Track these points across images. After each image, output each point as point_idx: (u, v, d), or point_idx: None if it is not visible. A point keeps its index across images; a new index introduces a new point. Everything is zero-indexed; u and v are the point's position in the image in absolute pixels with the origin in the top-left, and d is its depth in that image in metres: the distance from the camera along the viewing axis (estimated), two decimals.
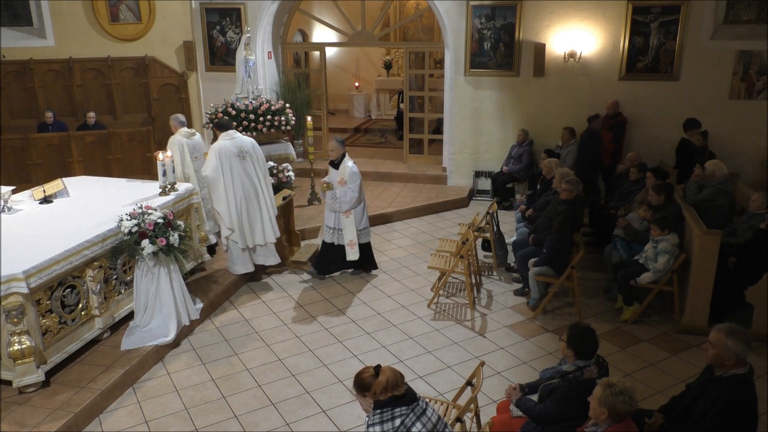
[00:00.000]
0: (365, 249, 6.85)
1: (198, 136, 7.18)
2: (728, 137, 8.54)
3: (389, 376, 2.83)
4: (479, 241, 7.25)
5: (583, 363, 3.58)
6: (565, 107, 9.28)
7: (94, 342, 5.25)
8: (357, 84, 15.66)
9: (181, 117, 7.18)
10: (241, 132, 7.77)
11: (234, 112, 7.91)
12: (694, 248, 5.55)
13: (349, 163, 6.58)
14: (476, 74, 9.50)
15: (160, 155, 6.20)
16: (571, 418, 3.46)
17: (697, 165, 7.06)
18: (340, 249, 6.72)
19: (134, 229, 5.13)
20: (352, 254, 6.67)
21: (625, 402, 2.97)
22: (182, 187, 6.46)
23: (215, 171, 6.24)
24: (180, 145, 6.90)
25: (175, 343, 5.50)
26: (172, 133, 7.03)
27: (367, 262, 6.97)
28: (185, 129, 7.03)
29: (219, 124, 6.65)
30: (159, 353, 5.32)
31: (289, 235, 7.40)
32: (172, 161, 6.36)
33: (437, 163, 10.51)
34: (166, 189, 6.22)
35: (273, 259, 6.73)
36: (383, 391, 2.81)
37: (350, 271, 7.04)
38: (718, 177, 6.58)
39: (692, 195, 6.65)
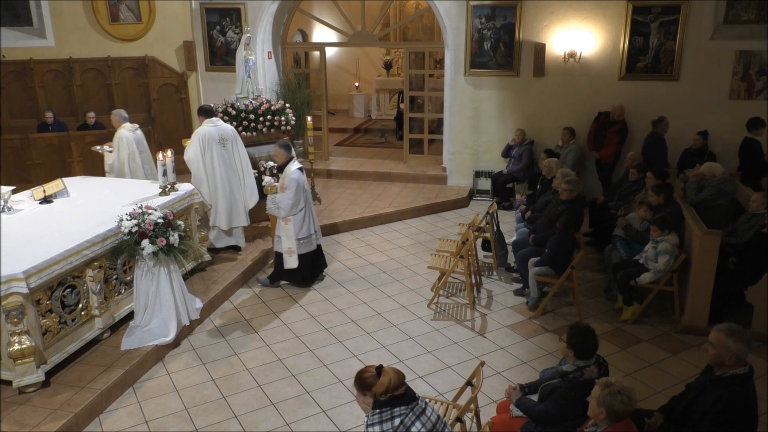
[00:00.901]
0: (302, 261, 6.50)
1: (140, 130, 7.44)
2: (728, 137, 8.52)
3: (392, 377, 2.82)
4: (479, 241, 7.25)
5: (583, 363, 3.59)
6: (565, 107, 9.28)
7: (94, 342, 5.25)
8: (357, 84, 15.66)
9: (123, 112, 7.50)
10: (240, 132, 7.80)
11: (234, 112, 7.91)
12: (694, 248, 5.55)
13: (292, 167, 6.34)
14: (476, 74, 9.50)
15: (160, 155, 6.20)
16: (571, 418, 3.46)
17: (697, 165, 7.07)
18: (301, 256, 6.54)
19: (134, 229, 5.13)
20: (290, 262, 6.43)
21: (623, 402, 2.97)
22: (182, 187, 6.47)
23: (195, 154, 6.72)
24: (127, 139, 7.23)
25: (175, 343, 5.51)
26: (116, 126, 7.33)
27: (299, 274, 6.62)
28: (128, 124, 7.34)
29: (203, 110, 6.96)
30: (159, 353, 5.32)
31: None
32: (173, 161, 6.38)
33: (437, 163, 10.51)
34: (166, 189, 6.22)
35: (243, 242, 7.31)
36: (384, 392, 2.81)
37: (283, 283, 6.75)
38: (719, 177, 6.58)
39: (692, 195, 6.65)
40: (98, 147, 7.55)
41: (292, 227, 6.38)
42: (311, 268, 6.74)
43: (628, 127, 8.81)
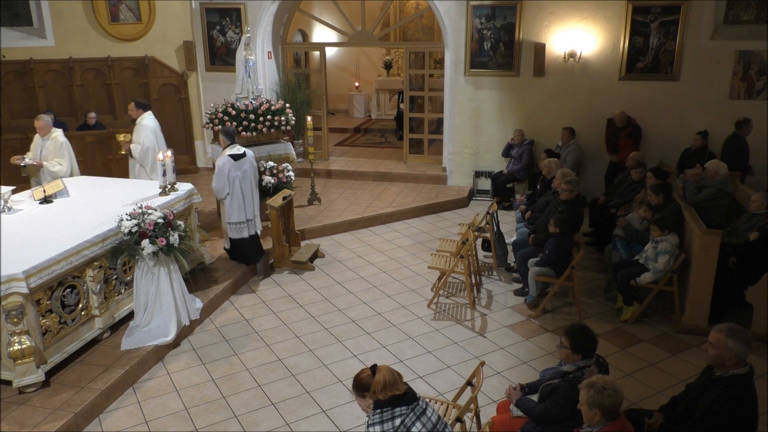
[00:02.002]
0: (236, 244, 6.79)
1: None
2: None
3: (386, 374, 2.85)
4: (479, 241, 7.25)
5: (584, 363, 3.59)
6: (565, 107, 9.28)
7: (94, 342, 5.25)
8: (357, 84, 15.66)
9: (48, 117, 7.38)
10: (240, 132, 7.82)
11: (234, 112, 7.91)
12: (694, 248, 5.55)
13: (224, 153, 6.65)
14: (476, 74, 9.50)
15: (161, 155, 6.20)
16: (571, 418, 3.46)
17: (697, 165, 7.06)
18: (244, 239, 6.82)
19: (134, 229, 5.13)
20: (224, 242, 6.93)
21: (611, 395, 2.98)
22: (182, 187, 6.47)
23: (152, 144, 7.26)
24: (69, 143, 7.28)
25: (175, 343, 5.50)
26: (46, 133, 7.08)
27: (241, 258, 6.95)
28: (56, 128, 7.28)
29: (142, 104, 7.43)
30: (159, 353, 5.32)
31: (288, 235, 7.40)
32: (172, 161, 6.37)
33: (437, 163, 10.51)
34: (166, 189, 6.22)
35: None
36: (382, 389, 2.82)
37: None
38: (720, 176, 6.58)
39: (692, 195, 6.65)
40: (21, 160, 7.10)
41: (225, 210, 6.68)
42: (255, 251, 6.92)
43: (640, 128, 8.73)
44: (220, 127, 7.91)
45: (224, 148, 6.67)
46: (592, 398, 3.00)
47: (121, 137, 7.46)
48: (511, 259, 7.12)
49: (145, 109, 7.43)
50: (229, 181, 6.51)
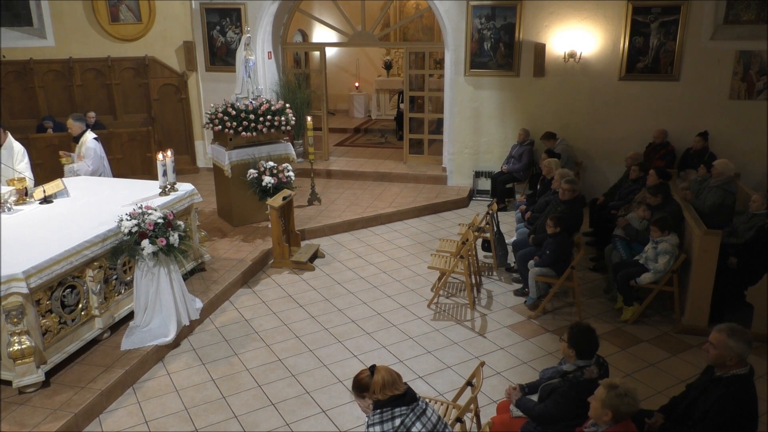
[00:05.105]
0: None
1: None
2: (728, 137, 8.53)
3: (384, 374, 2.87)
4: (479, 241, 7.25)
5: (584, 363, 3.59)
6: (565, 107, 9.28)
7: (94, 342, 5.25)
8: (357, 84, 15.66)
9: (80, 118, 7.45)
10: (240, 132, 7.82)
11: (234, 112, 7.91)
12: (694, 248, 5.55)
13: (89, 137, 7.12)
14: (476, 74, 9.50)
15: (159, 155, 6.20)
16: (571, 418, 3.46)
17: (701, 166, 7.05)
18: None
19: (134, 229, 5.13)
20: None
21: (629, 404, 2.98)
22: (182, 187, 6.47)
23: None
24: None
25: (175, 343, 5.50)
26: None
27: None
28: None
29: None
30: (159, 353, 5.32)
31: (288, 236, 7.40)
32: (173, 161, 6.37)
33: (437, 163, 10.51)
34: (166, 189, 6.22)
35: None
36: (381, 390, 2.83)
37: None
38: (724, 176, 6.56)
39: (701, 203, 6.56)
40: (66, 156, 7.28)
41: None
42: None
43: (675, 154, 8.57)
44: (219, 127, 7.93)
45: (81, 134, 7.09)
46: (610, 400, 2.99)
47: None
48: (511, 259, 7.12)
49: None
50: (102, 162, 7.24)
